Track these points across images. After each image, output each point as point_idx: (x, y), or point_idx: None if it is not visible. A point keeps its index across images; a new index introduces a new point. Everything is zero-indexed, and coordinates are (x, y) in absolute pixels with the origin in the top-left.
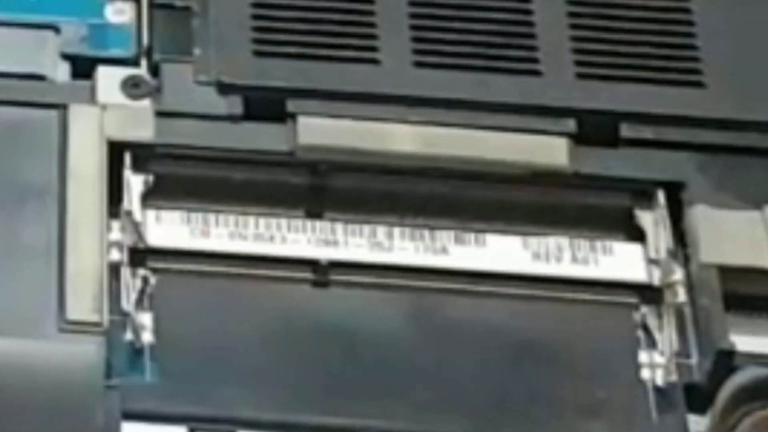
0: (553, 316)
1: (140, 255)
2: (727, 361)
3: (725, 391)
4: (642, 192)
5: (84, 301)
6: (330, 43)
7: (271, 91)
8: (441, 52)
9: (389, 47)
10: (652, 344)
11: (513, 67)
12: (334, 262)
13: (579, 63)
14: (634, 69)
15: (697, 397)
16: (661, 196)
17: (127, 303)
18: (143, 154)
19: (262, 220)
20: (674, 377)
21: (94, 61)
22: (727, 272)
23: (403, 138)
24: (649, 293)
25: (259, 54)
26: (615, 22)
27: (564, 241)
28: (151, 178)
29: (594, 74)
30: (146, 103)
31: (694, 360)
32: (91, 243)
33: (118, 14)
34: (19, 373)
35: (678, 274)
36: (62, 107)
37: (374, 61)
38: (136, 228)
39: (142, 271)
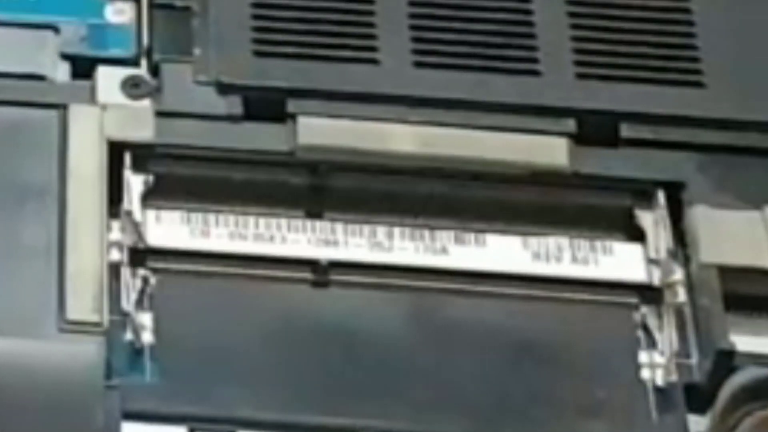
0: (553, 316)
1: (140, 255)
2: (727, 361)
3: (725, 391)
4: (642, 192)
5: (84, 301)
6: (330, 43)
7: (271, 91)
8: (441, 52)
9: (389, 47)
10: (652, 344)
11: (513, 67)
12: (334, 262)
13: (579, 63)
14: (634, 69)
15: (697, 397)
16: (661, 196)
17: (127, 303)
18: (143, 154)
19: (262, 220)
20: (674, 377)
21: (94, 61)
22: (727, 272)
23: (402, 138)
24: (649, 293)
25: (259, 54)
26: (615, 22)
27: (564, 241)
28: (151, 178)
29: (594, 74)
30: (146, 103)
31: (694, 360)
32: (91, 243)
33: (118, 14)
34: (19, 373)
35: (678, 274)
36: (62, 107)
37: (374, 61)
38: (136, 228)
39: (142, 271)
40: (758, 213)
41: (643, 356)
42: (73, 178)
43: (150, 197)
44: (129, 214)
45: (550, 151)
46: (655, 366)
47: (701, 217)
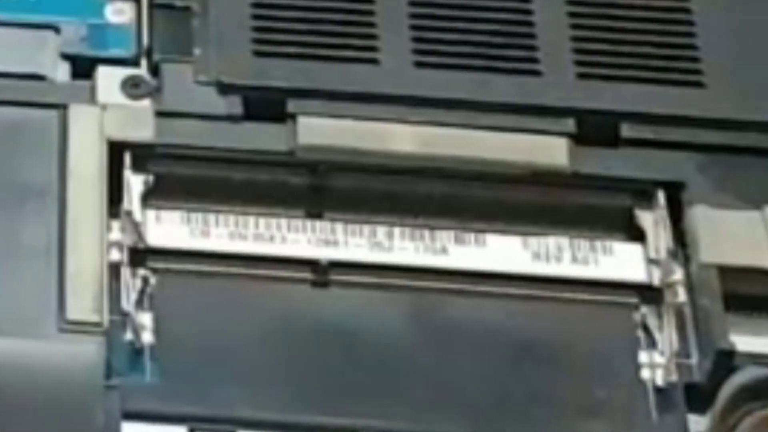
0: (553, 316)
1: (140, 255)
2: (727, 361)
3: (725, 391)
4: (642, 192)
5: (84, 301)
6: (330, 43)
7: (271, 91)
8: (441, 52)
9: (389, 47)
10: (652, 344)
11: (513, 67)
12: (334, 262)
13: (579, 63)
14: (635, 69)
15: (697, 397)
16: (661, 196)
17: (127, 303)
18: (143, 154)
19: (262, 220)
20: (674, 377)
21: (94, 61)
22: (727, 272)
23: (403, 138)
24: (649, 293)
25: (259, 54)
26: (615, 22)
27: (564, 241)
28: (151, 178)
29: (594, 74)
30: (146, 103)
31: (694, 360)
32: (91, 243)
33: (118, 14)
34: (19, 373)
35: (678, 274)
36: (62, 107)
37: (374, 61)
38: (136, 228)
39: (142, 271)
40: (758, 213)
41: (643, 356)
42: (73, 178)
43: (150, 197)
44: (129, 214)
45: (551, 151)
46: (655, 366)
47: (701, 217)
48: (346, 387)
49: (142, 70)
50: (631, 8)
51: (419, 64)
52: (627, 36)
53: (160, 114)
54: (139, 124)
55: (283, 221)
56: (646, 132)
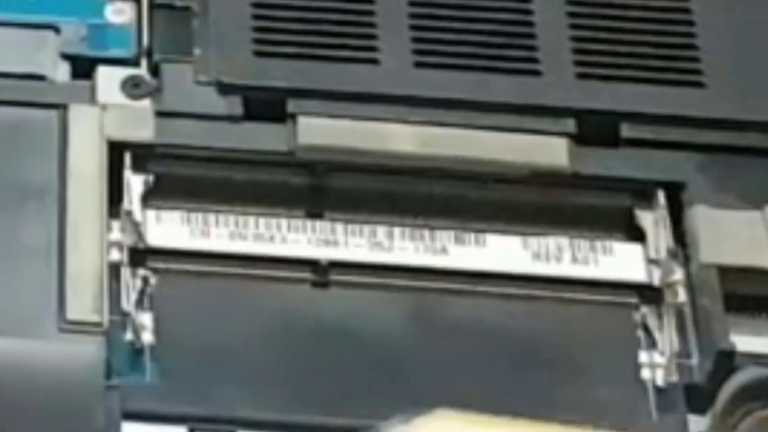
0: (553, 316)
1: (140, 255)
2: (727, 361)
3: (725, 392)
4: (642, 192)
5: (84, 301)
6: (330, 43)
7: (271, 91)
8: (441, 52)
9: (389, 47)
10: (652, 344)
11: (513, 67)
12: (334, 262)
13: (579, 63)
14: (634, 69)
15: (698, 397)
16: (661, 196)
17: (127, 303)
18: (143, 154)
19: (262, 220)
20: (674, 377)
21: (94, 61)
22: (727, 272)
23: (403, 138)
24: (649, 293)
25: (259, 54)
26: (615, 22)
27: (564, 241)
28: (151, 178)
29: (594, 74)
30: (146, 103)
31: (694, 360)
32: (91, 243)
33: (118, 14)
34: (19, 373)
35: (678, 274)
36: (62, 107)
37: (374, 61)
38: (136, 228)
39: (142, 271)
40: (758, 213)
41: (643, 356)
42: (73, 178)
43: (150, 197)
44: (129, 214)
45: (550, 151)
46: (655, 366)
47: (701, 217)
48: (346, 387)
49: (142, 70)
50: (630, 8)
51: (419, 64)
52: (627, 36)
53: (160, 114)
54: (139, 124)
55: (283, 221)
56: (646, 132)
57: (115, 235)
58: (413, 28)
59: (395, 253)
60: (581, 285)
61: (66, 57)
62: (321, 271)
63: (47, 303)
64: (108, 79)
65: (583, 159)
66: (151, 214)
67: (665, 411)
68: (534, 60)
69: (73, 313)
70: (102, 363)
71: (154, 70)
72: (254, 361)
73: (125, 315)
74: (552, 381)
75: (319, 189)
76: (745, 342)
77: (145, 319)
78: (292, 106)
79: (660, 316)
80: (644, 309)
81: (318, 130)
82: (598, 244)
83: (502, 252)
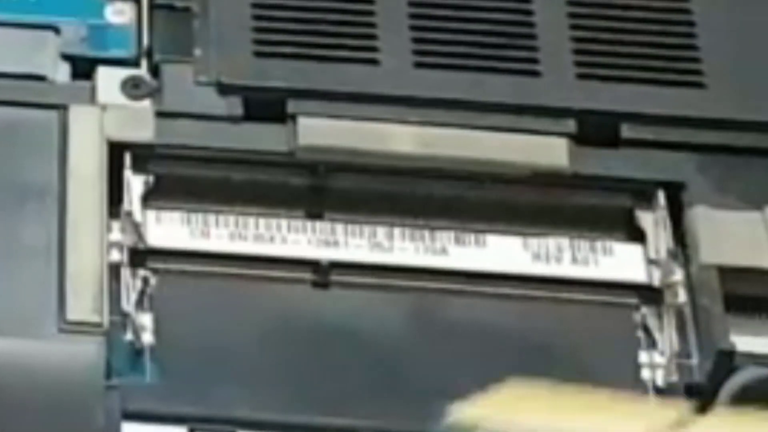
0: (553, 316)
1: (140, 255)
2: (727, 361)
3: (725, 392)
4: (642, 192)
5: (84, 302)
6: (330, 43)
7: (271, 91)
8: (441, 52)
9: (389, 48)
10: (652, 344)
11: (513, 68)
12: (335, 262)
13: (579, 63)
14: (635, 69)
15: (698, 398)
16: (661, 197)
17: (127, 303)
18: (143, 155)
19: (262, 221)
20: (675, 377)
21: (94, 62)
22: (727, 272)
23: (403, 138)
24: (649, 294)
25: (259, 54)
26: (615, 22)
27: (564, 241)
28: (151, 178)
29: (594, 74)
30: (146, 103)
31: (694, 360)
32: (91, 243)
33: (118, 15)
34: (19, 373)
35: (678, 275)
36: (62, 108)
37: (374, 62)
38: (136, 228)
39: (142, 272)
40: (758, 213)
41: (644, 356)
42: (73, 179)
43: (150, 198)
44: (129, 214)
45: (551, 151)
46: (655, 366)
47: (701, 217)
48: (346, 387)
49: (143, 71)
50: (631, 8)
51: (419, 65)
52: (627, 36)
53: (160, 114)
54: (139, 124)
55: (284, 222)
56: (646, 132)
57: (115, 235)
58: (413, 28)
59: (395, 254)
60: (581, 285)
61: (66, 57)
62: (321, 272)
63: (47, 303)
64: (108, 80)
65: (583, 159)
66: (151, 214)
67: None
68: (534, 60)
69: (73, 313)
70: (102, 363)
71: (154, 71)
72: (254, 362)
73: (125, 315)
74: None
75: (319, 189)
76: (745, 342)
77: (145, 319)
78: (292, 106)
79: (660, 317)
80: (644, 309)
81: (318, 131)
82: (598, 244)
83: (502, 252)
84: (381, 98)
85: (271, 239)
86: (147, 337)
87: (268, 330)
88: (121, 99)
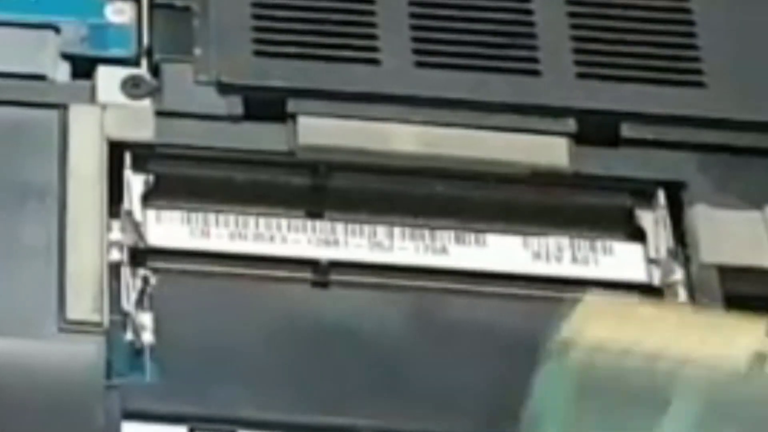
0: (553, 316)
1: (140, 255)
2: None
3: None
4: (642, 192)
5: (84, 301)
6: (330, 43)
7: (271, 91)
8: (441, 52)
9: (390, 47)
10: None
11: (513, 67)
12: (335, 262)
13: (579, 63)
14: (635, 69)
15: None
16: (661, 196)
17: (128, 303)
18: (143, 154)
19: (262, 220)
20: None
21: (94, 61)
22: (727, 272)
23: (403, 138)
24: (649, 293)
25: (259, 54)
26: (615, 22)
27: (564, 241)
28: (151, 178)
29: (594, 74)
30: (146, 103)
31: None
32: (91, 243)
33: (118, 14)
34: (19, 373)
35: (678, 274)
36: (62, 107)
37: (375, 61)
38: (137, 228)
39: (142, 271)
40: (758, 213)
41: None
42: (74, 178)
43: (150, 197)
44: (129, 213)
45: (551, 151)
46: None
47: (701, 217)
48: (346, 387)
49: (143, 70)
50: (631, 8)
51: (420, 64)
52: (627, 36)
53: (161, 114)
54: (139, 124)
55: (284, 221)
56: (647, 132)
57: (115, 234)
58: (414, 28)
59: (395, 253)
60: (581, 285)
61: (66, 57)
62: (321, 271)
63: (47, 303)
64: (108, 79)
65: (583, 159)
66: (151, 213)
67: None
68: (534, 60)
69: (74, 312)
70: (102, 363)
71: (155, 70)
72: (254, 361)
73: (125, 315)
74: None
75: (319, 189)
76: None
77: (145, 318)
78: (292, 105)
79: None
80: None
81: (318, 130)
82: (599, 244)
83: (503, 252)
84: (381, 98)
85: (272, 239)
86: (147, 337)
87: (268, 329)
88: (121, 98)
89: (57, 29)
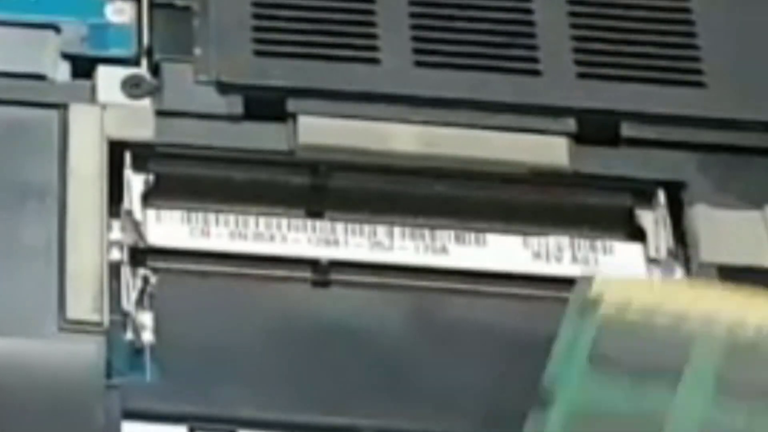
0: (553, 316)
1: (140, 254)
2: None
3: None
4: (642, 192)
5: (84, 301)
6: (330, 42)
7: (271, 90)
8: (441, 51)
9: (389, 47)
10: None
11: (513, 67)
12: (335, 261)
13: (579, 63)
14: (635, 69)
15: None
16: (661, 196)
17: (128, 302)
18: (143, 154)
19: (262, 220)
20: None
21: (95, 61)
22: (727, 272)
23: (403, 138)
24: None
25: (259, 54)
26: (615, 21)
27: (564, 240)
28: (151, 177)
29: (594, 74)
30: (146, 102)
31: None
32: (91, 242)
33: (118, 14)
34: (19, 373)
35: (678, 274)
36: (62, 107)
37: (374, 61)
38: (137, 227)
39: (142, 271)
40: (758, 213)
41: None
42: (74, 178)
43: (150, 197)
44: (129, 213)
45: (551, 150)
46: None
47: (701, 216)
48: (346, 386)
49: (143, 70)
50: (631, 8)
51: (419, 64)
52: (627, 36)
53: (161, 113)
54: (139, 123)
55: (284, 221)
56: (647, 132)
57: (116, 234)
58: (414, 27)
59: (395, 253)
60: None
61: (66, 56)
62: (321, 271)
63: (47, 302)
64: (108, 79)
65: (583, 158)
66: (151, 213)
67: None
68: (534, 60)
69: (74, 312)
70: (102, 362)
71: (155, 70)
72: (254, 361)
73: (125, 314)
74: None
75: (319, 188)
76: None
77: (146, 318)
78: (292, 105)
79: None
80: None
81: (318, 130)
82: (599, 243)
83: (503, 252)
84: (381, 97)
85: (272, 238)
86: (147, 336)
87: (269, 329)
88: (121, 98)
89: (57, 29)
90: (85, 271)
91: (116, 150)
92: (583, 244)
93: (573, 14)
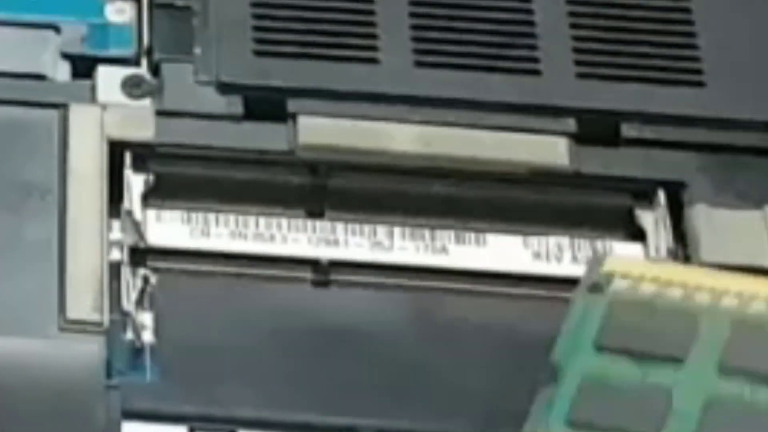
0: (553, 316)
1: (141, 254)
2: None
3: None
4: (642, 192)
5: (84, 301)
6: (330, 42)
7: (271, 90)
8: (441, 51)
9: (389, 47)
10: None
11: (513, 67)
12: (335, 261)
13: (579, 63)
14: (635, 69)
15: None
16: (661, 196)
17: (128, 302)
18: (143, 154)
19: (262, 220)
20: None
21: (95, 61)
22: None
23: (403, 138)
24: None
25: (259, 54)
26: (615, 21)
27: (564, 240)
28: (151, 177)
29: (594, 74)
30: (146, 102)
31: None
32: (91, 242)
33: (119, 14)
34: (19, 373)
35: None
36: (62, 107)
37: (374, 61)
38: (137, 227)
39: (142, 271)
40: (758, 213)
41: None
42: (74, 178)
43: (150, 197)
44: (129, 213)
45: (551, 150)
46: None
47: (702, 216)
48: (346, 386)
49: (143, 70)
50: (631, 8)
51: (419, 64)
52: (627, 36)
53: (161, 113)
54: (139, 123)
55: (284, 221)
56: (647, 132)
57: (116, 234)
58: (414, 27)
59: (395, 253)
60: None
61: (66, 56)
62: (321, 271)
63: (47, 302)
64: (108, 79)
65: (583, 158)
66: (151, 213)
67: None
68: (534, 59)
69: (74, 312)
70: (102, 362)
71: (155, 70)
72: (254, 361)
73: (126, 314)
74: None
75: (319, 188)
76: None
77: (146, 318)
78: (292, 105)
79: None
80: None
81: (318, 130)
82: (599, 243)
83: (503, 251)
84: (381, 97)
85: (272, 238)
86: (147, 336)
87: (268, 329)
88: (121, 98)
89: (57, 29)
90: (85, 271)
91: (116, 150)
92: (583, 244)
93: (573, 14)
